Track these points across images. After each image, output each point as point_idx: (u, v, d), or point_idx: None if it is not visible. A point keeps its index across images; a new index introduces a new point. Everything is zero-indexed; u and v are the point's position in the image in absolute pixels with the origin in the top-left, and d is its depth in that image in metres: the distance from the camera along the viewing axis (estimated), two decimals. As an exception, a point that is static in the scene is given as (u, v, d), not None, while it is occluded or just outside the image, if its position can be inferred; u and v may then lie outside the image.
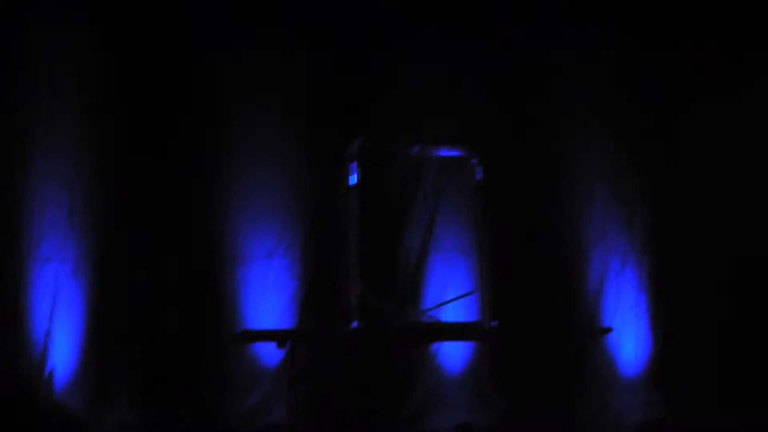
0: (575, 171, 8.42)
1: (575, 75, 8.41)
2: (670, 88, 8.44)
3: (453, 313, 7.12)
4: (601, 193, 8.39)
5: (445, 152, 6.73)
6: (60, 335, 7.32)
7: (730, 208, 8.32)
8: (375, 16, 8.11)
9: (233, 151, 7.87)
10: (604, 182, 8.41)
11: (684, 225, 8.36)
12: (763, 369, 7.97)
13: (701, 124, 8.46)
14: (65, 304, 7.35)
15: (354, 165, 6.44)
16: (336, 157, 7.09)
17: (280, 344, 6.23)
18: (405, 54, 8.16)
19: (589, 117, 8.41)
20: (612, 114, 8.46)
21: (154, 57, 7.76)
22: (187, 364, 7.50)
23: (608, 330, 7.19)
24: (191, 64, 7.81)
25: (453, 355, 7.95)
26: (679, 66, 8.40)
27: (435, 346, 7.47)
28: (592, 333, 7.69)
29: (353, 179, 6.47)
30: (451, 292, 7.65)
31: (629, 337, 8.20)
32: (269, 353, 7.55)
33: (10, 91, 7.49)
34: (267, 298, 7.77)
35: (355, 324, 6.12)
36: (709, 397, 7.95)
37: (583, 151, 8.44)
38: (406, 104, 8.14)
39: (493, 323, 6.36)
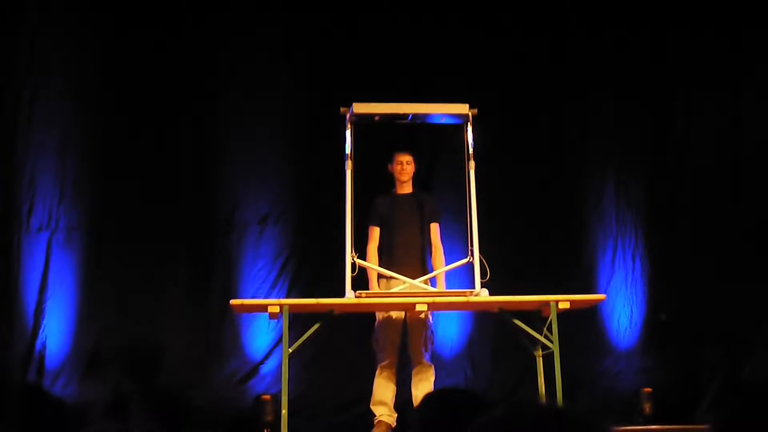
0: (572, 139, 8.39)
1: (577, 42, 8.39)
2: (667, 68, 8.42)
3: (448, 280, 7.10)
4: (596, 161, 8.36)
5: (439, 119, 6.67)
6: (52, 306, 7.32)
7: (725, 178, 8.30)
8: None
9: (225, 122, 7.84)
10: (600, 151, 8.38)
11: (678, 194, 8.34)
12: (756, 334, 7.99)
13: (696, 100, 8.44)
14: (57, 274, 7.36)
15: (347, 132, 6.38)
16: (329, 124, 7.05)
17: (272, 315, 6.18)
18: (396, 19, 8.12)
19: (589, 85, 8.37)
20: (612, 85, 8.43)
21: (143, 30, 7.72)
22: (179, 334, 7.52)
23: (602, 297, 7.16)
24: (178, 34, 7.77)
25: (448, 322, 7.96)
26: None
27: (430, 314, 7.47)
28: (587, 301, 7.67)
29: (346, 147, 6.42)
30: (447, 260, 7.62)
31: (624, 305, 8.20)
32: (260, 324, 7.57)
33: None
34: (258, 266, 7.76)
35: (347, 294, 6.09)
36: (702, 362, 7.98)
37: (579, 120, 8.41)
38: (399, 70, 8.10)
39: (488, 291, 6.31)
